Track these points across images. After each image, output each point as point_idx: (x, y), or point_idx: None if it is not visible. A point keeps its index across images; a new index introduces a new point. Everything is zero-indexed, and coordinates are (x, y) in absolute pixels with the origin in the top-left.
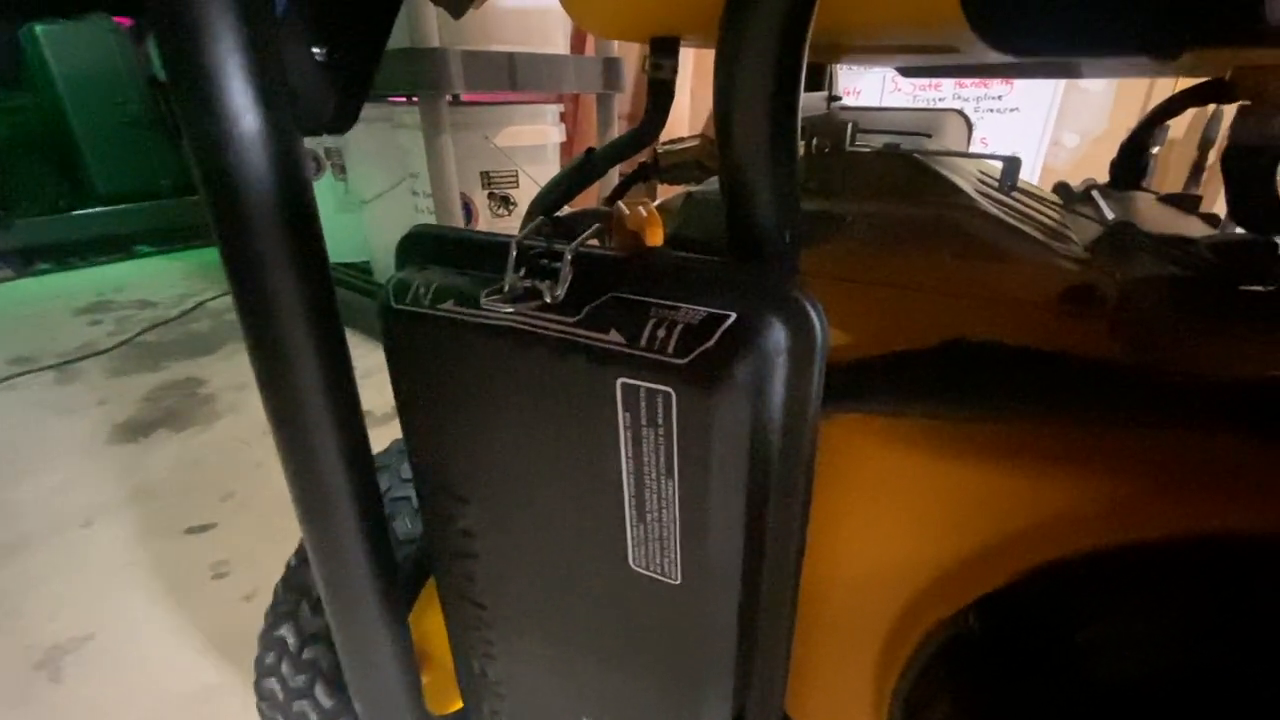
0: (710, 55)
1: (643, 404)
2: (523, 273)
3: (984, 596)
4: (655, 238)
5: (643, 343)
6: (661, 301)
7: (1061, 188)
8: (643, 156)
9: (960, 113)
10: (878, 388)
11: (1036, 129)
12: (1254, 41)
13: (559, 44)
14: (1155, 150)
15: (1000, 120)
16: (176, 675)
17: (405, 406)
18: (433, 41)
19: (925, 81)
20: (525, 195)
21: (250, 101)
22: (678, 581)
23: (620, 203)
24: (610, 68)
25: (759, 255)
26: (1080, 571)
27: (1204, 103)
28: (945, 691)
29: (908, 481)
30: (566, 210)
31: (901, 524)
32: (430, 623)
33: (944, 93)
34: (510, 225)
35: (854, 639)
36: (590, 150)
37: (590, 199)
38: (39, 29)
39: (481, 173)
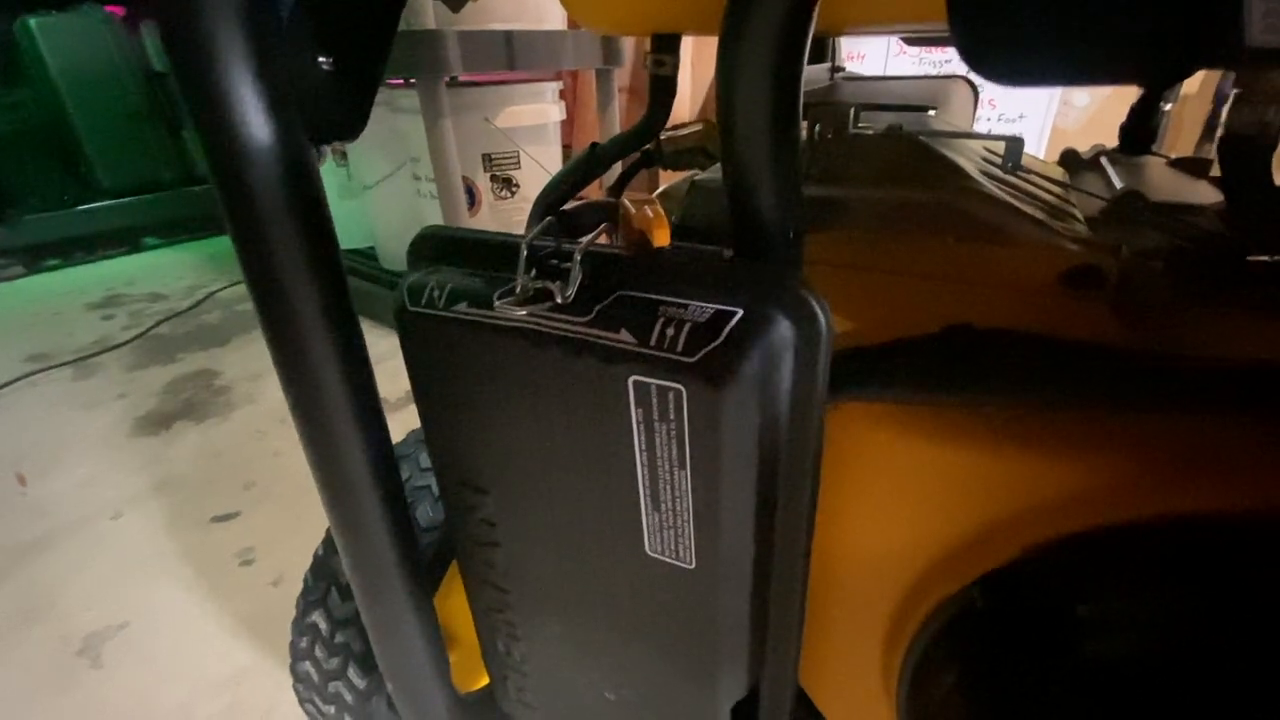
0: (712, 39)
1: (654, 400)
2: (533, 273)
3: (988, 574)
4: (662, 238)
5: (653, 341)
6: (669, 299)
7: (1069, 155)
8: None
9: (966, 79)
10: (882, 376)
11: (1045, 89)
12: (1233, 64)
13: (555, 20)
14: (1168, 108)
15: None
16: (211, 658)
17: (424, 404)
18: (428, 23)
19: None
20: (527, 176)
21: (261, 114)
22: (692, 566)
23: (626, 199)
24: (609, 42)
25: (764, 251)
26: (1081, 550)
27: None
28: (951, 664)
29: (913, 465)
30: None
31: (908, 506)
32: (456, 605)
33: (950, 54)
34: (513, 207)
35: (864, 615)
36: (594, 145)
37: (594, 187)
38: (33, 21)
39: (483, 155)
